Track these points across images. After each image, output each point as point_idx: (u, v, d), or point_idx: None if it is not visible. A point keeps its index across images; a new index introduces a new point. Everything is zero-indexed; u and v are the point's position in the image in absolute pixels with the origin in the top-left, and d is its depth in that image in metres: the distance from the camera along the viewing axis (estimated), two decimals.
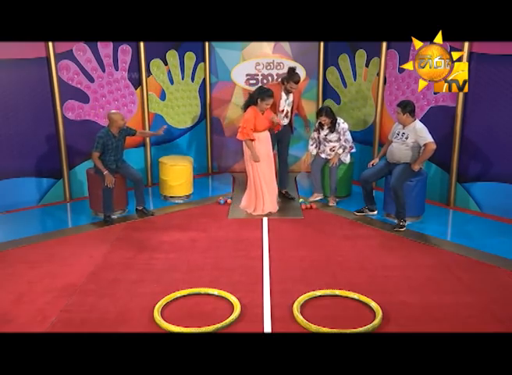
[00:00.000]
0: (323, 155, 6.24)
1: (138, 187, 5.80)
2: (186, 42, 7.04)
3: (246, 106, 5.72)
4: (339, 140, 6.09)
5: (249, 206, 5.95)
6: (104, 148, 5.45)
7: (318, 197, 6.37)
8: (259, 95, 5.55)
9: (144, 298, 3.86)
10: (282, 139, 6.25)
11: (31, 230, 5.37)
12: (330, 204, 6.21)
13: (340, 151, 6.12)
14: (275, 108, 6.03)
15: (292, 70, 5.99)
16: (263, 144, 5.75)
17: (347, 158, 6.22)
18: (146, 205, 5.94)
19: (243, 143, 5.75)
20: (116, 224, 5.54)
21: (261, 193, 5.83)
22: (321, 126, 6.14)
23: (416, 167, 5.34)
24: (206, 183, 7.41)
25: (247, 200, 5.99)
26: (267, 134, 5.82)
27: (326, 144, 6.14)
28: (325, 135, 6.11)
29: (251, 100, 5.65)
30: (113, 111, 5.69)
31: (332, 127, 6.05)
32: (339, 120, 6.09)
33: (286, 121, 6.20)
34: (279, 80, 6.31)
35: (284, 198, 6.43)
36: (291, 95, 6.09)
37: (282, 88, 6.03)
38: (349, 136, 6.11)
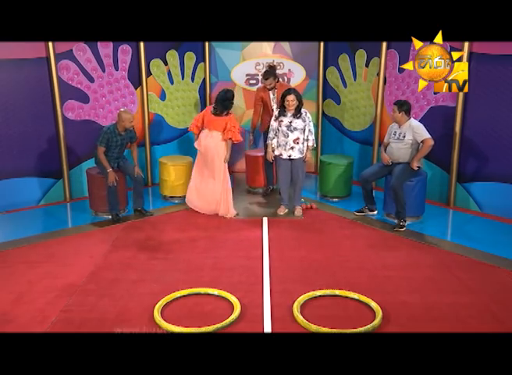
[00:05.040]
0: (285, 155, 5.61)
1: (136, 187, 5.76)
2: (186, 42, 7.04)
3: (226, 112, 5.70)
4: (303, 131, 5.55)
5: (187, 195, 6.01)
6: (108, 143, 5.43)
7: (286, 211, 5.87)
8: (233, 99, 5.74)
9: (143, 298, 3.86)
10: None
11: (31, 230, 5.37)
12: (296, 213, 5.79)
13: (305, 148, 5.59)
14: (268, 109, 6.06)
15: (267, 67, 6.29)
16: (202, 148, 5.79)
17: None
18: (144, 206, 5.91)
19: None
20: (116, 224, 5.54)
21: (193, 188, 5.94)
22: (283, 112, 5.54)
23: (415, 164, 5.34)
24: None
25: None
26: (211, 142, 5.71)
27: (290, 133, 5.51)
28: (290, 122, 5.50)
29: (230, 105, 5.72)
30: (125, 109, 5.69)
31: (297, 113, 5.50)
32: (304, 109, 5.60)
33: None
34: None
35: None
36: (276, 92, 6.13)
37: (267, 89, 6.15)
38: (312, 127, 5.62)
